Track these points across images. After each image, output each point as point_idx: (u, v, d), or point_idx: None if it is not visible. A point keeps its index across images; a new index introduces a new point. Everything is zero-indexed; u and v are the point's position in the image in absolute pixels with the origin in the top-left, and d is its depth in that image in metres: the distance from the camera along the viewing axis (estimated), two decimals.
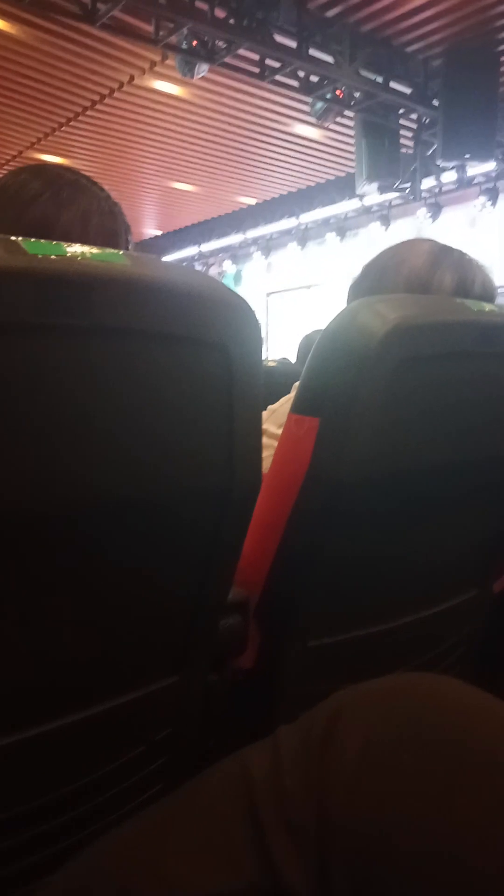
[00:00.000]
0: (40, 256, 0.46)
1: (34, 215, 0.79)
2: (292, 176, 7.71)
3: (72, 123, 6.30)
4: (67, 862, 0.46)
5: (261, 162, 7.23)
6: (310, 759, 0.39)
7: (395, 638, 0.91)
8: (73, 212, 0.80)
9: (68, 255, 0.48)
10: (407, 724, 0.39)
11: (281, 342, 8.14)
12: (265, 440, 1.00)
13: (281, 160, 7.18)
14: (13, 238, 0.47)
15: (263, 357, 0.75)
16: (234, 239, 9.48)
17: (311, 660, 0.84)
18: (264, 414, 1.08)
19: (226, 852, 0.38)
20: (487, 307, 0.76)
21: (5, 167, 7.22)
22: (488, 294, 1.03)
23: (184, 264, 10.41)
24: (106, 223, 0.83)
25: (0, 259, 0.45)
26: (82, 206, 0.81)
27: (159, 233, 10.33)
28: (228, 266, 9.92)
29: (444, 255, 1.03)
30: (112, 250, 0.52)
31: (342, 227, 8.32)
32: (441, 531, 0.88)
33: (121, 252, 0.52)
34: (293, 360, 3.60)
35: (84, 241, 0.79)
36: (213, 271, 10.22)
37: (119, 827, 0.46)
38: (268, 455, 0.77)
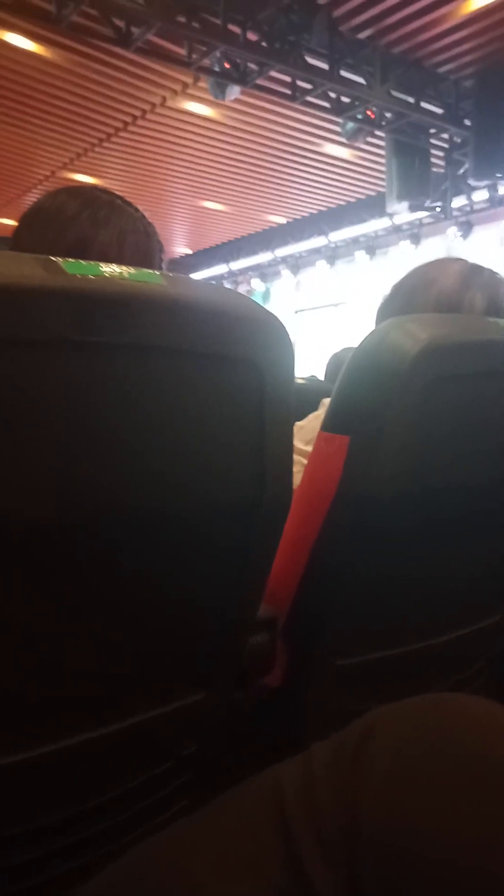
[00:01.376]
0: (79, 276, 0.47)
1: (72, 235, 0.80)
2: (322, 195, 7.76)
3: (105, 144, 6.42)
4: (97, 873, 0.46)
5: (291, 181, 7.29)
6: (341, 774, 0.39)
7: (421, 659, 0.90)
8: (109, 232, 0.82)
9: (106, 275, 0.49)
10: (438, 741, 0.39)
11: (309, 360, 8.16)
12: (293, 457, 1.00)
13: (311, 179, 7.23)
14: (53, 258, 0.48)
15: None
16: (263, 257, 9.55)
17: (337, 679, 0.84)
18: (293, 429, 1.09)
19: (257, 862, 0.39)
20: None
21: (39, 186, 7.37)
22: None
23: (213, 282, 10.54)
24: (141, 243, 0.85)
25: (40, 278, 0.46)
26: (118, 226, 0.83)
27: (189, 251, 10.44)
28: (257, 284, 9.98)
29: (474, 275, 1.02)
30: (148, 270, 0.53)
31: (372, 245, 8.34)
32: (469, 551, 0.87)
33: (156, 272, 0.53)
34: (321, 377, 3.61)
35: (120, 261, 0.80)
36: (241, 289, 10.29)
37: (151, 838, 0.46)
38: (296, 471, 0.77)
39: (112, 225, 0.82)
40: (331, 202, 8.03)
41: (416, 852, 0.35)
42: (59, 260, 0.48)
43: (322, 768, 0.40)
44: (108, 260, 0.79)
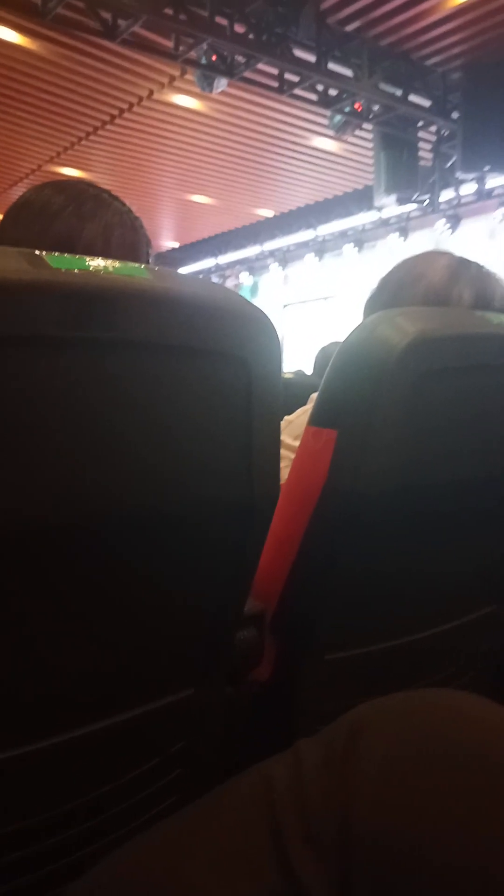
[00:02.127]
0: (63, 270, 0.47)
1: (58, 229, 0.80)
2: (310, 188, 7.74)
3: (91, 137, 6.38)
4: (86, 871, 0.46)
5: (279, 174, 7.27)
6: (331, 772, 0.39)
7: (412, 653, 0.90)
8: (95, 226, 0.81)
9: (91, 269, 0.49)
10: (428, 737, 0.39)
11: (297, 354, 8.16)
12: (281, 451, 1.00)
13: (299, 172, 7.21)
14: (37, 252, 0.48)
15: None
16: (251, 251, 9.53)
17: (327, 673, 0.84)
18: (281, 424, 1.08)
19: (247, 861, 0.38)
20: None
21: (26, 180, 7.32)
22: None
23: (201, 276, 10.52)
24: (127, 237, 0.84)
25: (24, 272, 0.46)
26: (104, 220, 0.82)
27: (177, 245, 10.40)
28: (245, 278, 9.97)
29: (462, 269, 1.02)
30: (134, 264, 0.53)
31: (360, 238, 8.34)
32: (459, 545, 0.87)
33: (142, 266, 0.53)
34: (308, 371, 3.61)
35: (106, 255, 0.80)
36: (229, 283, 10.28)
37: (140, 836, 0.46)
38: (284, 466, 0.77)
39: (98, 219, 0.82)
40: (319, 195, 8.02)
41: (408, 850, 0.35)
42: (44, 254, 0.48)
43: (311, 766, 0.40)
44: (95, 254, 0.79)
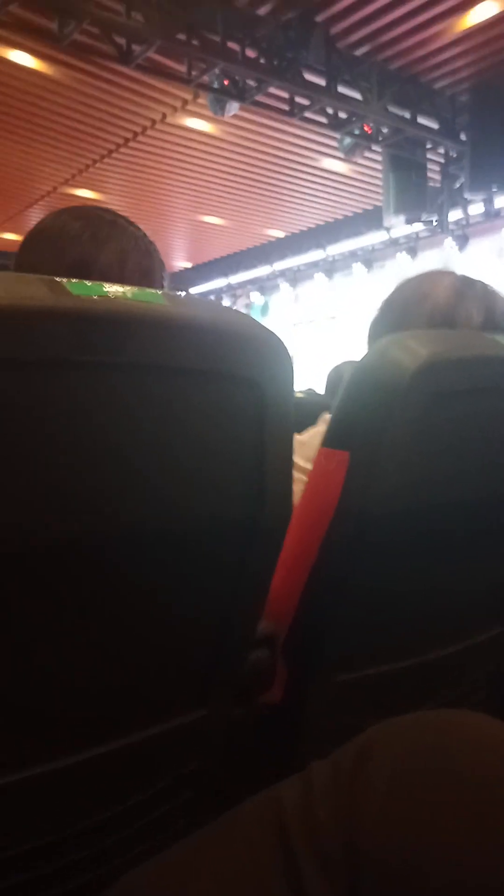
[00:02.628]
0: (82, 297, 0.48)
1: (74, 255, 0.81)
2: (320, 209, 7.81)
3: (106, 160, 6.46)
4: (100, 893, 0.46)
5: (289, 196, 7.34)
6: (340, 791, 0.40)
7: (422, 673, 0.90)
8: (110, 251, 0.83)
9: (109, 295, 0.50)
10: (435, 757, 0.40)
11: (307, 373, 8.18)
12: (294, 473, 1.00)
13: (309, 194, 7.28)
14: (57, 279, 0.49)
15: None
16: (262, 271, 9.59)
17: (338, 694, 0.84)
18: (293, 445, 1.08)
19: (259, 882, 0.39)
20: None
21: (41, 202, 7.41)
22: None
23: (212, 296, 10.57)
24: (142, 262, 0.86)
25: (45, 299, 0.47)
26: (120, 245, 0.84)
27: (189, 265, 10.49)
28: (256, 297, 10.02)
29: (467, 288, 1.02)
30: (150, 290, 0.54)
31: (369, 258, 8.38)
32: (469, 566, 0.88)
33: (158, 292, 0.54)
34: (319, 390, 3.62)
35: (121, 280, 0.81)
36: (240, 302, 10.34)
37: (152, 858, 0.46)
38: (296, 490, 0.78)
39: (113, 244, 0.83)
40: (328, 216, 8.08)
41: (415, 868, 0.36)
42: (64, 280, 0.49)
43: (321, 788, 0.41)
44: (111, 279, 0.80)
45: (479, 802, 0.37)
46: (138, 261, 0.85)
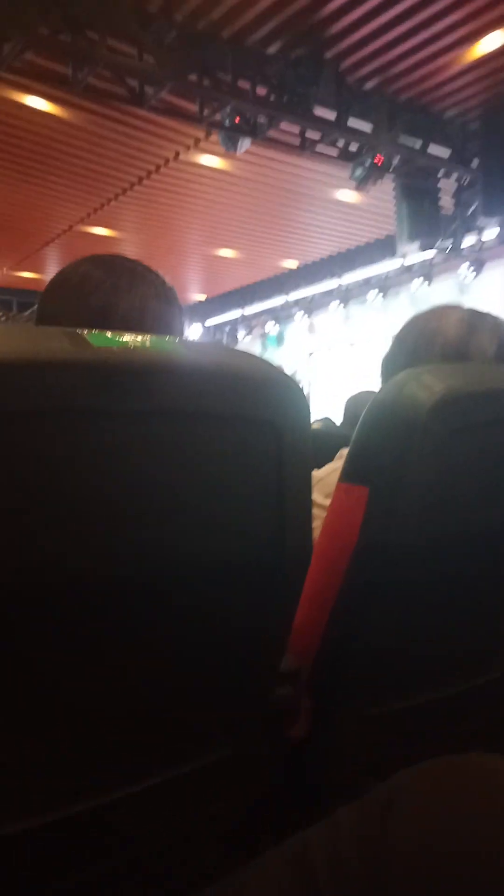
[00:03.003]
0: (103, 348, 0.50)
1: (95, 304, 0.83)
2: (333, 239, 7.88)
3: (120, 198, 6.59)
4: None
5: (302, 227, 7.42)
6: (370, 843, 0.40)
7: (447, 706, 0.89)
8: (130, 300, 0.84)
9: (128, 345, 0.51)
10: (463, 810, 0.39)
11: (324, 402, 8.20)
12: (312, 510, 1.01)
13: (322, 224, 7.36)
14: (77, 331, 0.51)
15: None
16: (276, 301, 9.67)
17: (363, 729, 0.83)
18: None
19: None
20: None
21: (57, 240, 7.56)
22: None
23: (227, 327, 10.65)
24: (162, 309, 0.87)
25: (66, 352, 0.48)
26: (139, 293, 0.85)
27: (204, 297, 10.60)
28: (271, 328, 10.09)
29: (476, 321, 1.02)
30: (168, 338, 0.56)
31: (384, 285, 8.42)
32: (492, 598, 0.87)
33: (175, 339, 0.55)
34: (335, 419, 3.62)
35: (141, 328, 0.83)
36: (255, 333, 10.41)
37: None
38: (315, 526, 0.78)
39: (133, 293, 0.85)
40: (342, 245, 8.15)
41: None
42: (84, 332, 0.51)
43: (348, 830, 0.41)
44: (130, 326, 0.82)
45: None
46: (157, 308, 0.87)
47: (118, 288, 0.84)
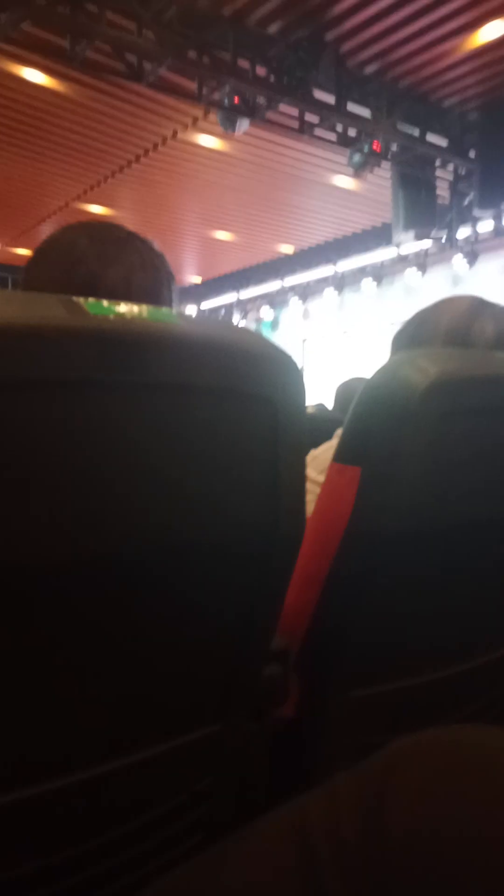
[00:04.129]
0: (99, 317, 0.49)
1: (81, 273, 0.82)
2: (330, 225, 7.85)
3: (117, 175, 6.53)
4: None
5: (299, 212, 7.39)
6: (367, 808, 0.40)
7: (438, 689, 0.90)
8: (117, 270, 0.83)
9: (126, 315, 0.51)
10: (462, 773, 0.40)
11: (317, 388, 8.20)
12: (307, 485, 1.01)
13: (319, 210, 7.32)
14: (74, 299, 0.50)
15: None
16: (272, 286, 9.64)
17: (352, 710, 0.84)
18: (307, 458, 1.10)
19: (282, 894, 0.39)
20: None
21: (53, 217, 7.49)
22: None
23: (223, 310, 10.61)
24: (148, 280, 0.86)
25: (63, 319, 0.48)
26: (126, 263, 0.84)
27: (199, 280, 10.55)
28: (266, 312, 10.06)
29: (483, 308, 1.05)
30: (165, 310, 0.55)
31: (378, 274, 8.41)
32: (482, 582, 0.88)
33: (173, 311, 0.55)
34: (328, 405, 3.62)
35: (127, 298, 0.82)
36: (251, 317, 10.38)
37: (170, 874, 0.46)
38: (309, 500, 0.78)
39: (120, 263, 0.84)
40: (338, 232, 8.12)
41: (443, 886, 0.36)
42: (81, 300, 0.50)
43: (347, 803, 0.41)
44: (117, 297, 0.81)
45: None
46: (144, 279, 0.86)
47: (105, 258, 0.83)
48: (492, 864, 0.36)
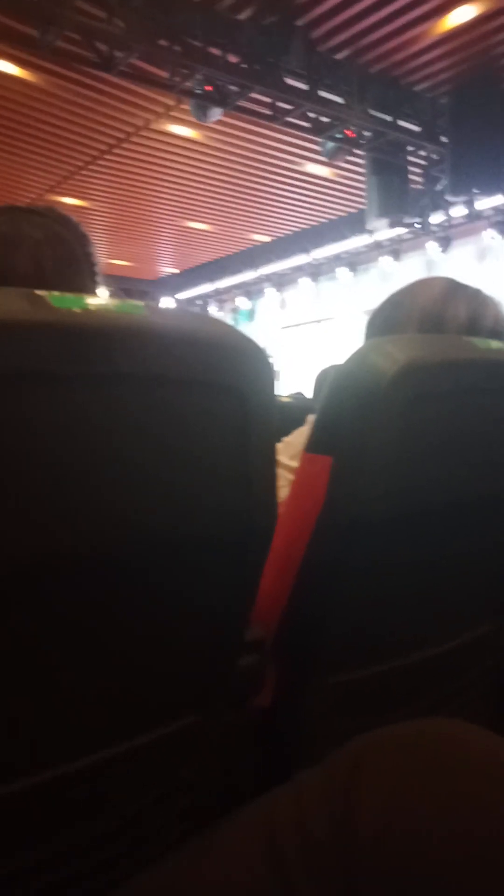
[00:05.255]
0: (63, 310, 0.49)
1: None
2: (304, 213, 7.84)
3: (90, 167, 6.47)
4: None
5: (273, 200, 7.37)
6: (332, 806, 0.40)
7: (414, 672, 0.91)
8: (24, 257, 0.80)
9: (91, 308, 0.50)
10: (426, 770, 0.40)
11: (295, 376, 8.20)
12: (279, 471, 1.01)
13: (293, 198, 7.31)
14: (38, 292, 0.50)
15: (277, 393, 0.76)
16: (247, 276, 9.62)
17: (328, 697, 0.85)
18: (279, 446, 1.10)
19: (251, 894, 0.39)
20: (494, 345, 0.78)
21: None
22: (501, 329, 1.05)
23: (199, 301, 10.57)
24: (58, 252, 0.82)
25: (26, 312, 0.47)
26: (32, 244, 0.80)
27: (175, 270, 10.49)
28: (242, 302, 10.04)
29: (457, 290, 1.05)
30: (131, 302, 0.55)
31: (353, 261, 8.42)
32: (456, 567, 0.89)
33: (139, 304, 0.55)
34: (307, 393, 3.63)
35: (42, 283, 0.77)
36: (227, 307, 10.35)
37: (144, 871, 0.46)
38: (283, 486, 0.78)
39: (23, 245, 0.80)
40: (313, 220, 8.12)
41: (410, 881, 0.36)
42: (45, 294, 0.50)
43: (313, 802, 0.41)
44: (30, 285, 0.76)
45: (475, 816, 0.38)
46: (54, 254, 0.81)
47: (10, 243, 0.79)
48: (461, 862, 0.36)
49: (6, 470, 0.48)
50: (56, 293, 0.50)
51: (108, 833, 0.67)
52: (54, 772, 0.60)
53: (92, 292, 0.87)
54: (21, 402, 0.48)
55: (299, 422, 1.18)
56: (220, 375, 0.58)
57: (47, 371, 0.48)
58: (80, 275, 0.86)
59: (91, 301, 0.51)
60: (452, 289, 1.05)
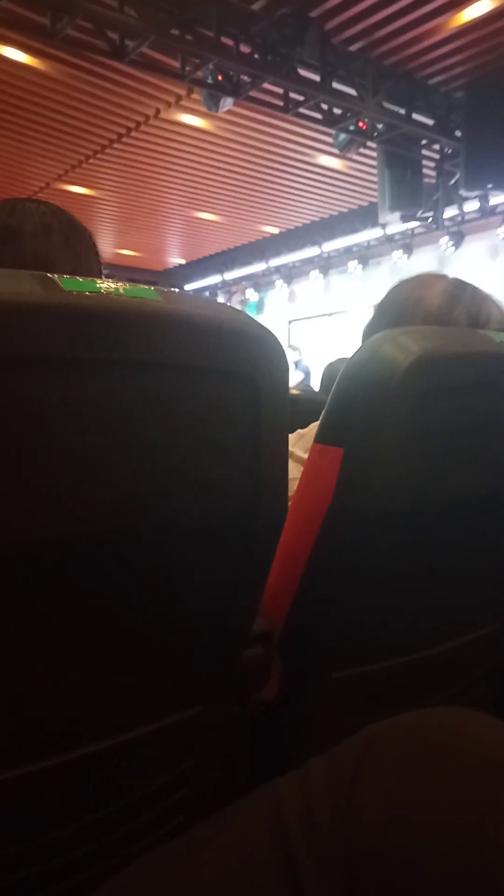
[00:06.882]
0: (75, 293, 0.48)
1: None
2: (315, 205, 7.80)
3: (99, 156, 6.44)
4: (92, 893, 0.46)
5: (284, 192, 7.33)
6: (339, 792, 0.40)
7: (419, 669, 0.90)
8: (32, 218, 0.84)
9: (102, 291, 0.50)
10: (432, 758, 0.40)
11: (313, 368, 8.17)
12: (292, 464, 1.00)
13: (304, 190, 7.27)
14: (49, 275, 0.49)
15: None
16: (256, 267, 9.59)
17: (334, 692, 0.84)
18: (292, 438, 1.08)
19: (256, 879, 0.39)
20: None
21: (35, 198, 7.39)
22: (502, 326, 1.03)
23: (207, 292, 10.56)
24: (62, 221, 0.86)
25: (37, 295, 0.47)
26: (36, 214, 0.84)
27: (184, 261, 10.47)
28: (251, 294, 10.02)
29: (458, 292, 1.02)
30: (143, 286, 0.54)
31: (364, 255, 8.39)
32: (465, 561, 0.88)
33: (152, 288, 0.54)
34: (315, 387, 3.62)
35: (48, 241, 0.82)
36: (235, 299, 10.33)
37: (148, 856, 0.46)
38: (294, 478, 0.77)
39: (30, 215, 0.84)
40: (324, 212, 8.08)
41: (412, 868, 0.36)
42: (56, 277, 0.49)
43: (320, 787, 0.41)
44: (38, 243, 0.80)
45: (480, 806, 0.37)
46: (59, 222, 0.85)
47: (14, 213, 0.84)
48: (463, 850, 0.36)
49: (14, 453, 0.48)
50: (67, 276, 0.49)
51: (109, 821, 0.66)
52: (56, 759, 0.60)
53: (99, 276, 0.88)
54: (29, 387, 0.47)
55: (308, 414, 1.17)
56: (233, 362, 0.57)
57: (56, 355, 0.47)
58: (83, 242, 0.89)
59: (103, 285, 0.51)
60: (453, 291, 1.02)
